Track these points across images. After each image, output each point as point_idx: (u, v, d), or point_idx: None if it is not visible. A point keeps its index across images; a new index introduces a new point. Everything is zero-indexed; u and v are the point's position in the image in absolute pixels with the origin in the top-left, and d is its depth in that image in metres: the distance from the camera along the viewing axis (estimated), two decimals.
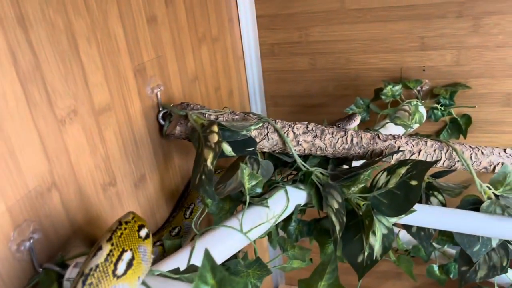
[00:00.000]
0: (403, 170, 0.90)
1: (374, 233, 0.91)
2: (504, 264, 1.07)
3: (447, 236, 1.27)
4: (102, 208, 0.80)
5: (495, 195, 1.00)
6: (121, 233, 0.58)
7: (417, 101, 1.34)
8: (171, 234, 0.97)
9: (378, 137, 1.01)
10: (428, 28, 1.40)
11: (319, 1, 1.46)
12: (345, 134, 1.00)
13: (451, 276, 1.37)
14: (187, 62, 1.12)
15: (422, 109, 1.36)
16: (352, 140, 1.00)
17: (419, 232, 1.09)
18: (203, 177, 0.82)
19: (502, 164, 1.03)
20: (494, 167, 1.03)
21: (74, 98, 0.73)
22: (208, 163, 0.82)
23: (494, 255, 1.08)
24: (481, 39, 1.37)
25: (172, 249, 0.94)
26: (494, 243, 1.04)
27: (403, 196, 0.89)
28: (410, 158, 1.01)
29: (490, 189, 1.00)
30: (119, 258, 0.56)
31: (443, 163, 1.02)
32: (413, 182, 0.88)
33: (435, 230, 1.10)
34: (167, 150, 1.03)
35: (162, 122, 0.98)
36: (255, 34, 1.56)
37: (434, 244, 1.31)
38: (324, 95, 1.59)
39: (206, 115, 0.96)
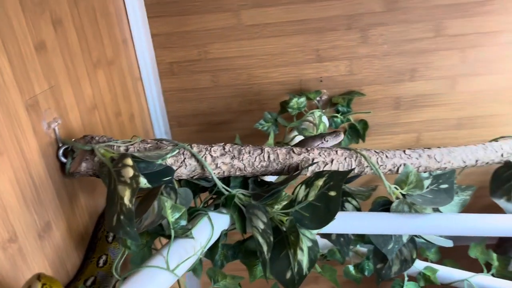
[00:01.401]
0: (320, 182, 0.92)
1: (301, 248, 0.91)
2: (414, 256, 1.15)
3: (358, 236, 1.33)
4: (4, 270, 0.68)
5: (402, 194, 1.07)
6: None
7: (320, 112, 1.39)
8: (86, 284, 0.87)
9: (293, 151, 1.02)
10: (321, 41, 1.47)
11: (215, 18, 1.44)
12: (262, 152, 0.99)
13: (366, 273, 1.45)
14: (84, 90, 1.02)
15: (325, 119, 1.42)
16: (269, 157, 0.99)
17: (339, 239, 1.12)
18: (122, 217, 0.74)
19: (404, 164, 1.10)
20: (398, 168, 1.10)
21: None
22: (126, 201, 0.74)
23: (405, 250, 1.16)
24: (369, 49, 1.47)
25: None
26: (405, 239, 1.11)
27: (324, 207, 0.90)
28: (324, 168, 1.04)
29: (397, 189, 1.06)
30: None
31: (354, 170, 1.06)
32: (332, 193, 0.90)
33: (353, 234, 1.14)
34: (71, 190, 0.92)
35: (63, 159, 0.88)
36: (151, 53, 1.49)
37: None
38: (229, 112, 1.58)
39: (115, 147, 0.88)
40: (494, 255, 1.36)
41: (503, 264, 1.36)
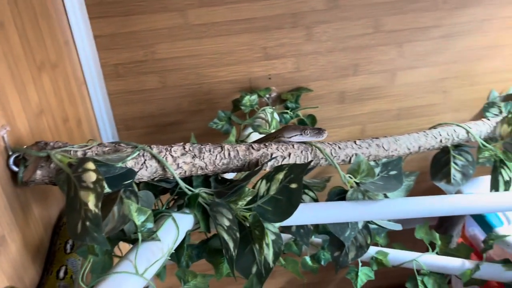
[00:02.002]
0: (281, 176, 0.94)
1: (266, 242, 0.92)
2: (368, 242, 1.21)
3: (313, 227, 1.36)
4: None
5: (355, 183, 1.12)
6: None
7: (272, 109, 1.42)
8: (58, 277, 0.83)
9: (252, 147, 1.03)
10: (268, 39, 1.49)
11: (161, 18, 1.42)
12: (222, 150, 0.99)
13: (322, 263, 1.49)
14: (30, 95, 0.97)
15: (276, 115, 1.45)
16: (229, 154, 1.00)
17: (299, 230, 1.15)
18: (87, 223, 0.71)
19: (356, 154, 1.15)
20: (350, 158, 1.15)
21: None
22: (91, 206, 0.72)
23: (359, 236, 1.21)
24: (314, 46, 1.52)
25: None
26: (360, 226, 1.17)
27: (286, 200, 0.92)
28: (283, 162, 1.06)
29: (351, 178, 1.11)
30: None
31: (311, 162, 1.10)
32: (293, 185, 0.92)
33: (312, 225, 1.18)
34: (23, 200, 0.87)
35: (15, 168, 0.82)
36: (94, 55, 1.44)
37: None
38: (179, 112, 1.56)
39: (72, 152, 0.84)
40: (437, 235, 1.45)
41: (445, 243, 1.46)
